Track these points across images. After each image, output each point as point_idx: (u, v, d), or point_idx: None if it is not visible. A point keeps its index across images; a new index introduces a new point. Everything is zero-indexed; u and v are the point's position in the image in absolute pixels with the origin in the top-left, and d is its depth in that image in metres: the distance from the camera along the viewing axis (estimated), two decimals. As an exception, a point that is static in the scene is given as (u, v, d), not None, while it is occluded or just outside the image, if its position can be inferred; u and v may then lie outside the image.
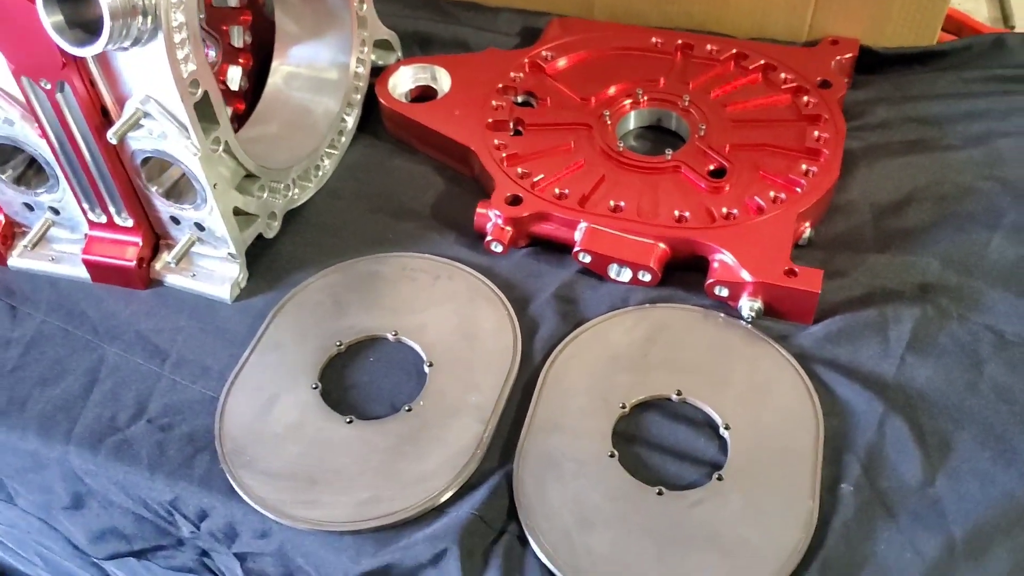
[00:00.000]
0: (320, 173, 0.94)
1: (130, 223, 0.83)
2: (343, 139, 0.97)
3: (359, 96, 0.98)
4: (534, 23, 1.09)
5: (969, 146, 0.91)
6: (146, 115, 0.73)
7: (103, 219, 0.83)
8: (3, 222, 0.87)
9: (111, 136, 0.73)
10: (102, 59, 0.72)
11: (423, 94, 1.01)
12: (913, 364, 0.75)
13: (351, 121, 0.97)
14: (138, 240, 0.84)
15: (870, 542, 0.65)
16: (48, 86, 0.72)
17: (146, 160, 0.78)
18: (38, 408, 0.76)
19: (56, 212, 0.85)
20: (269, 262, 0.86)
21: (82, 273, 0.86)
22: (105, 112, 0.75)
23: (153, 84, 0.71)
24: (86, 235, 0.85)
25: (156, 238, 0.85)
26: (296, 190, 0.90)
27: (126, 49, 0.68)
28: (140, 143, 0.76)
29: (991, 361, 0.74)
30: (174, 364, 0.78)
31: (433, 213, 0.91)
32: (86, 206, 0.83)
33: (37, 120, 0.76)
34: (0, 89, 0.76)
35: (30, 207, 0.85)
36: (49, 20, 0.66)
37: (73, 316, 0.83)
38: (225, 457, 0.71)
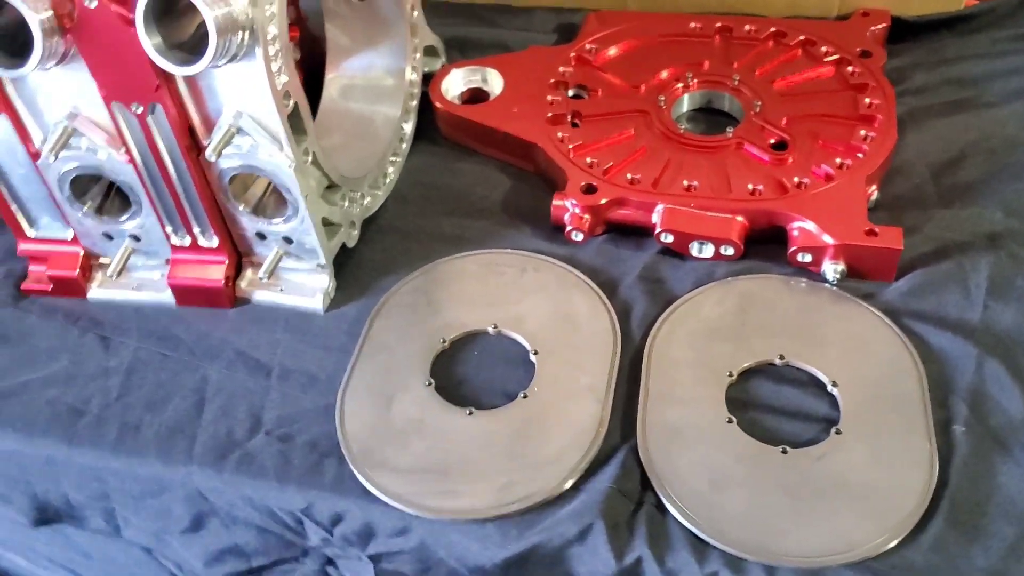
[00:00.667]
0: (387, 180, 0.95)
1: (215, 243, 0.83)
2: (403, 145, 0.98)
3: (414, 103, 0.99)
4: (568, 19, 1.12)
5: (1009, 101, 0.95)
6: (239, 130, 0.74)
7: (187, 241, 0.84)
8: (81, 254, 0.87)
9: (210, 154, 0.73)
10: (191, 79, 0.73)
11: (473, 96, 1.03)
12: (996, 308, 0.78)
13: (409, 128, 0.99)
14: (223, 259, 0.84)
15: (991, 476, 0.68)
16: (139, 110, 0.73)
17: (232, 178, 0.79)
18: (152, 431, 0.76)
19: (137, 239, 0.85)
20: (353, 270, 0.87)
21: (166, 298, 0.86)
22: (191, 132, 0.76)
23: (247, 99, 0.72)
24: (168, 260, 0.86)
25: (239, 256, 0.86)
26: (368, 198, 0.91)
27: (219, 66, 0.69)
28: (229, 161, 0.76)
29: (1070, 298, 0.78)
30: (279, 376, 0.79)
31: (504, 209, 0.93)
32: (170, 229, 0.83)
33: (125, 146, 0.76)
34: (85, 118, 0.76)
35: (109, 236, 0.85)
36: (150, 42, 0.66)
37: (166, 340, 0.83)
38: (354, 459, 0.71)
